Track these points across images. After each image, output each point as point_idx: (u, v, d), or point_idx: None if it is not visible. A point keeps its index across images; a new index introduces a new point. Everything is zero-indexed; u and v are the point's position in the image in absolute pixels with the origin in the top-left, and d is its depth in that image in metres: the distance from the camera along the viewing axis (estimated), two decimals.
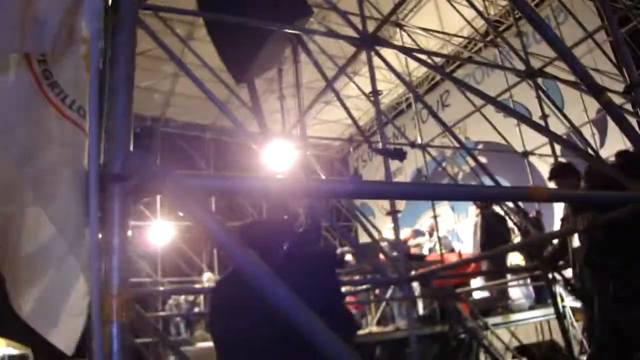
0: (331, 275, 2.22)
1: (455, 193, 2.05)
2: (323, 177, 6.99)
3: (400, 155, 4.36)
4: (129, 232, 1.28)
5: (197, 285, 12.54)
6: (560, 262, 5.55)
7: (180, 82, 12.22)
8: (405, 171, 14.43)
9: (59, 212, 1.48)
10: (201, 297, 12.50)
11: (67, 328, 1.49)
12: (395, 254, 6.26)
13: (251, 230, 2.03)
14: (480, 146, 12.36)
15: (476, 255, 8.22)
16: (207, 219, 1.24)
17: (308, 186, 1.56)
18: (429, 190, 2.05)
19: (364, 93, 7.06)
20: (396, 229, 5.07)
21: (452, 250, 10.23)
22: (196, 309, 12.18)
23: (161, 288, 12.00)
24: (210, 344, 7.77)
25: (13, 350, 24.67)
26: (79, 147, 1.52)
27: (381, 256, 6.93)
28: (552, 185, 4.61)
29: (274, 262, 1.59)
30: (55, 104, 1.55)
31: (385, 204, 15.65)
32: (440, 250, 9.06)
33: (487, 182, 7.09)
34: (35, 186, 1.50)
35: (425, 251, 9.94)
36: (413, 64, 12.12)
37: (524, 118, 5.58)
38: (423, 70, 13.71)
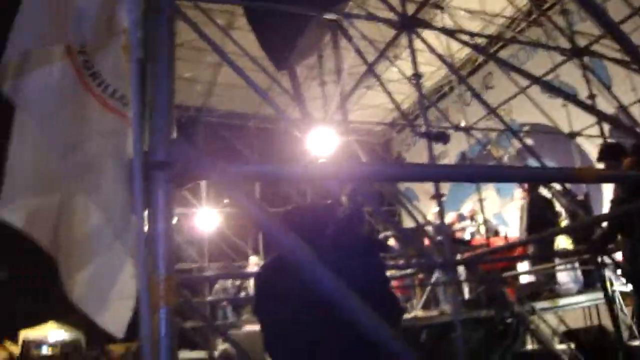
0: (376, 259, 2.21)
1: (501, 174, 2.00)
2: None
3: (444, 138, 4.30)
4: (175, 219, 1.30)
5: (244, 270, 12.75)
6: (611, 246, 5.41)
7: (222, 72, 12.30)
8: (449, 155, 14.23)
9: (104, 201, 1.52)
10: (248, 282, 12.67)
11: (116, 312, 1.54)
12: (439, 238, 6.20)
13: (295, 215, 2.04)
14: (525, 128, 12.07)
15: (522, 239, 8.07)
16: (250, 205, 1.25)
17: (349, 170, 1.56)
18: (474, 171, 2.00)
19: (405, 77, 6.97)
20: (441, 213, 5.01)
21: (497, 234, 10.07)
22: (243, 293, 12.34)
23: (208, 273, 12.23)
24: (257, 327, 7.89)
25: (66, 334, 25.62)
26: (121, 136, 1.54)
27: (426, 241, 6.88)
28: (601, 166, 4.49)
29: (318, 246, 1.59)
30: (96, 94, 1.58)
31: (430, 188, 15.52)
32: (487, 234, 8.94)
33: (534, 164, 6.94)
34: (80, 176, 1.54)
35: (467, 236, 9.80)
36: (455, 46, 11.85)
37: (571, 98, 5.42)
38: (465, 52, 13.40)
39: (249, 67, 5.77)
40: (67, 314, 27.04)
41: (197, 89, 13.09)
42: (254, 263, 12.73)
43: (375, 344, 1.44)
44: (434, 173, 1.98)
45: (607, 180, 3.54)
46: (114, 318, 1.56)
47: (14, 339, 24.88)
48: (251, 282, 12.28)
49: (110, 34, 1.60)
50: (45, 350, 23.40)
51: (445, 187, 11.48)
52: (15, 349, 22.76)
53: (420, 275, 8.36)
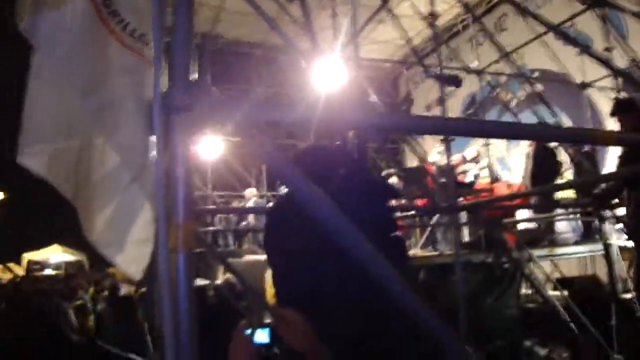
0: (387, 204, 2.21)
1: (516, 131, 1.96)
2: (375, 99, 6.85)
3: (456, 82, 4.23)
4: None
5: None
6: (615, 200, 5.42)
7: None
8: (457, 95, 14.05)
9: (122, 142, 1.50)
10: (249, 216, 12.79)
11: (134, 254, 1.54)
12: (443, 179, 6.21)
13: (308, 156, 2.01)
14: (536, 74, 11.86)
15: (526, 187, 8.09)
16: (268, 148, 1.24)
17: (367, 119, 1.54)
18: (487, 127, 1.97)
19: (419, 14, 6.78)
20: (448, 155, 4.99)
21: (496, 180, 10.08)
22: (244, 223, 12.49)
23: (211, 206, 12.33)
24: (257, 257, 8.04)
25: (69, 256, 26.16)
26: (140, 75, 1.52)
27: (429, 181, 6.89)
28: (613, 121, 4.44)
29: (330, 188, 1.58)
30: (116, 32, 1.53)
31: None
32: (491, 178, 8.96)
33: (542, 111, 6.86)
34: (99, 116, 1.51)
35: (469, 178, 9.82)
36: None
37: (586, 48, 5.28)
38: None
39: None
40: (70, 237, 27.63)
41: (204, 14, 12.79)
42: (252, 194, 12.82)
43: (383, 288, 1.45)
44: (444, 126, 1.93)
45: (626, 143, 3.48)
46: (133, 261, 1.56)
47: (17, 262, 25.46)
48: (250, 216, 12.44)
49: None
50: (49, 271, 23.92)
51: None
52: (20, 271, 23.28)
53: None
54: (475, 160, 10.08)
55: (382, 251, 1.47)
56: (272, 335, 1.43)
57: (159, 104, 1.21)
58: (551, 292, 6.99)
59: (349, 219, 1.38)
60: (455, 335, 1.79)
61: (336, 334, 1.55)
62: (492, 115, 12.67)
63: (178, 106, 1.20)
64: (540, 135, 2.51)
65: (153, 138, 1.43)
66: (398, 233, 2.56)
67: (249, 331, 1.42)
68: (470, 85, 10.71)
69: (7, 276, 21.15)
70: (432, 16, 4.97)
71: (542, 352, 4.10)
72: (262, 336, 1.42)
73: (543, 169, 7.62)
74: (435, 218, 7.79)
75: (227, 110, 1.24)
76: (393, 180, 9.58)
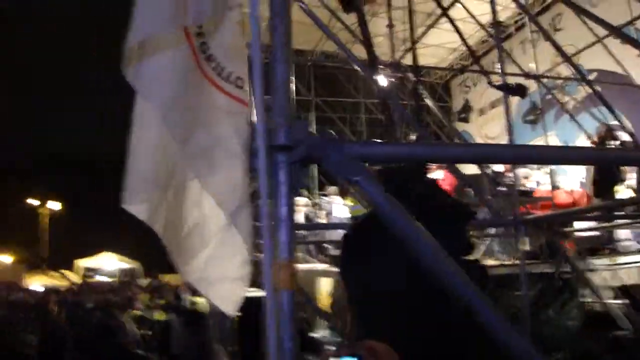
0: (464, 230, 2.17)
1: (569, 156, 1.88)
2: (430, 104, 6.78)
3: (521, 92, 4.14)
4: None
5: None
6: None
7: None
8: (512, 98, 13.77)
9: (219, 185, 1.54)
10: (299, 219, 12.76)
11: (229, 292, 1.58)
12: (503, 189, 6.10)
13: (383, 175, 2.00)
14: (593, 75, 11.52)
15: (588, 194, 7.87)
16: (375, 190, 1.25)
17: (472, 151, 1.53)
18: (543, 153, 1.91)
19: (476, 20, 6.68)
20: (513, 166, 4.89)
21: (557, 187, 9.82)
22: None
23: None
24: (309, 265, 7.99)
25: (125, 264, 26.87)
26: (237, 119, 1.55)
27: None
28: None
29: (409, 210, 1.57)
30: (211, 79, 1.57)
31: (489, 131, 15.25)
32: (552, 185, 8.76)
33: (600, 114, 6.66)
34: (195, 161, 1.55)
35: (533, 184, 9.59)
36: None
37: None
38: None
39: (311, 3, 5.62)
40: (122, 244, 28.45)
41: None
42: (302, 204, 12.77)
43: (466, 309, 1.43)
44: (502, 154, 1.85)
45: None
46: (228, 299, 1.61)
47: (70, 268, 26.28)
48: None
49: (226, 10, 1.58)
50: (103, 278, 24.55)
51: (504, 130, 11.18)
52: (74, 277, 23.92)
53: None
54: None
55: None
56: None
57: (264, 145, 1.23)
58: (612, 301, 6.77)
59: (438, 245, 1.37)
60: None
61: None
62: (549, 118, 12.38)
63: (281, 146, 1.22)
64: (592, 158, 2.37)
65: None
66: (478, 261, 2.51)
67: None
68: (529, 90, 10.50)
69: (64, 282, 21.85)
70: (494, 23, 4.88)
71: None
72: None
73: (605, 175, 7.39)
74: (494, 228, 7.64)
75: (329, 150, 1.26)
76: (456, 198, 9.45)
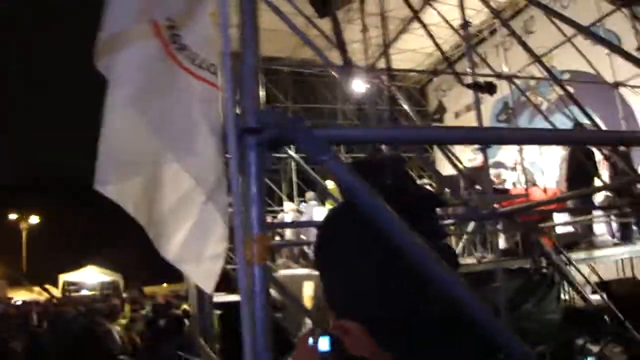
0: (434, 216, 2.25)
1: (554, 138, 2.01)
2: (406, 108, 6.88)
3: (491, 89, 4.26)
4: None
5: (279, 215, 12.98)
6: None
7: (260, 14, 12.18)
8: (486, 101, 14.00)
9: (197, 165, 1.63)
10: (284, 230, 12.88)
11: (208, 269, 1.67)
12: (478, 187, 6.21)
13: (363, 168, 2.08)
14: (566, 76, 11.76)
15: (562, 192, 8.01)
16: (339, 167, 1.32)
17: (398, 133, 1.61)
18: (520, 135, 2.03)
19: (448, 23, 6.81)
20: (485, 162, 5.01)
21: (533, 184, 10.01)
22: (277, 238, 12.58)
23: None
24: (292, 271, 8.09)
25: (106, 277, 26.64)
26: (211, 103, 1.65)
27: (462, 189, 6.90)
28: None
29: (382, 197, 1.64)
30: (185, 67, 1.67)
31: None
32: (526, 183, 8.90)
33: (574, 112, 6.82)
34: (173, 145, 1.65)
35: (509, 185, 9.77)
36: None
37: (616, 48, 5.25)
38: None
39: (287, 10, 5.69)
40: (105, 258, 28.30)
41: (231, 32, 13.01)
42: (291, 209, 12.92)
43: (437, 289, 1.50)
44: (479, 136, 1.99)
45: None
46: (206, 275, 1.69)
47: (54, 283, 26.07)
48: (287, 230, 12.55)
49: (198, 2, 1.68)
50: (85, 292, 24.42)
51: None
52: (56, 292, 23.77)
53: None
54: (514, 167, 10.03)
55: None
56: (333, 343, 1.49)
57: (233, 128, 1.30)
58: (591, 296, 6.89)
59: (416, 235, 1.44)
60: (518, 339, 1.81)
61: (396, 343, 1.61)
62: (523, 119, 12.61)
63: (252, 128, 1.29)
64: (562, 139, 2.51)
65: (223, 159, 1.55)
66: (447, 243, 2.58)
67: (311, 341, 1.48)
68: (501, 91, 10.66)
69: (44, 296, 21.68)
70: (465, 25, 5.01)
71: (595, 349, 4.11)
72: (324, 344, 1.48)
73: (579, 171, 7.54)
74: (471, 226, 7.76)
75: (298, 131, 1.33)
76: (428, 188, 9.60)
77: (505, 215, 4.76)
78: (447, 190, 7.55)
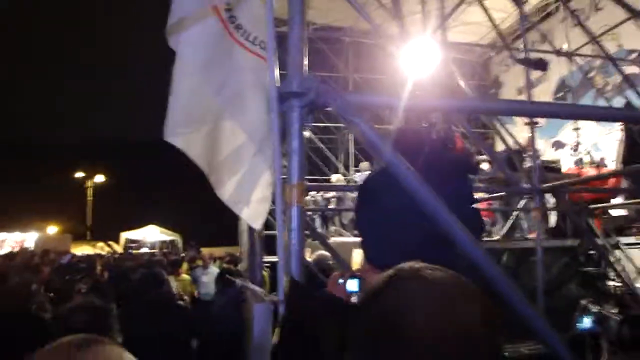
0: (464, 179, 2.41)
1: (591, 113, 2.14)
2: (463, 84, 6.92)
3: (541, 66, 4.31)
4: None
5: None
6: None
7: None
8: (550, 79, 13.71)
9: (248, 123, 1.96)
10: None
11: (256, 210, 2.00)
12: (530, 164, 6.24)
13: (398, 137, 2.27)
14: (634, 55, 11.37)
15: (618, 178, 7.88)
16: (367, 128, 1.53)
17: (452, 103, 1.78)
18: (556, 109, 2.15)
19: None
20: (532, 139, 5.07)
21: (597, 165, 9.82)
22: (331, 206, 12.83)
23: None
24: (344, 239, 8.34)
25: (165, 236, 27.59)
26: (261, 72, 1.96)
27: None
28: None
29: (416, 165, 1.83)
30: (241, 43, 2.02)
31: None
32: (580, 163, 8.77)
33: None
34: (229, 105, 1.99)
35: (568, 165, 9.61)
36: None
37: None
38: None
39: None
40: (166, 218, 29.41)
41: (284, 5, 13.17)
42: (336, 180, 13.16)
43: (461, 250, 1.69)
44: (523, 109, 2.14)
45: None
46: (255, 215, 2.01)
47: (116, 240, 27.34)
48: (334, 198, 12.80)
49: None
50: (145, 249, 25.42)
51: None
52: (118, 248, 24.88)
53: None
54: (576, 148, 9.84)
55: (462, 220, 1.72)
56: (361, 284, 1.72)
57: (275, 92, 1.57)
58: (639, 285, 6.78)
59: (433, 192, 1.64)
60: (535, 309, 1.95)
61: None
62: (586, 99, 12.30)
63: (294, 92, 1.53)
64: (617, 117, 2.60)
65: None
66: (475, 207, 2.74)
67: (341, 280, 1.72)
68: (562, 68, 10.48)
69: (107, 249, 22.84)
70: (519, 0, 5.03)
71: (594, 308, 4.18)
72: (352, 285, 1.72)
73: (634, 152, 7.40)
74: (522, 203, 7.76)
75: (333, 96, 1.56)
76: (484, 166, 9.60)
77: (550, 191, 4.81)
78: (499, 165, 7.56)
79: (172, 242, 28.93)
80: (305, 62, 1.76)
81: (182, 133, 1.93)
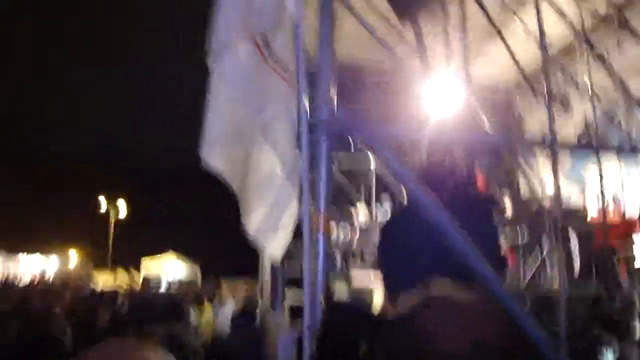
0: (489, 218, 2.41)
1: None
2: (485, 122, 6.91)
3: (564, 104, 4.29)
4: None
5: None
6: None
7: (345, 20, 12.44)
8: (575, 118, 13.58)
9: (281, 150, 2.00)
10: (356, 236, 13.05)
11: (280, 241, 2.03)
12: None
13: (421, 171, 2.29)
14: None
15: None
16: (393, 160, 1.56)
17: (477, 139, 1.80)
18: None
19: (530, 34, 6.74)
20: (556, 181, 5.01)
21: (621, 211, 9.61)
22: (353, 246, 12.78)
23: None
24: (363, 271, 8.22)
25: (184, 269, 27.42)
26: (291, 102, 2.02)
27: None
28: None
29: (440, 199, 1.83)
30: (275, 69, 2.09)
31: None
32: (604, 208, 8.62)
33: None
34: (264, 131, 2.04)
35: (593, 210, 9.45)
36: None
37: None
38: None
39: (372, 18, 5.88)
40: (184, 244, 29.39)
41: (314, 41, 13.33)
42: (362, 213, 13.12)
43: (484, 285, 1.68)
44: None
45: None
46: (278, 247, 2.06)
47: (137, 266, 27.32)
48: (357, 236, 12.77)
49: (282, 22, 2.09)
50: (164, 286, 25.32)
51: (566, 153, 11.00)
52: (138, 278, 24.76)
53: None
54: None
55: (485, 258, 1.72)
56: None
57: (306, 121, 1.62)
58: None
59: (457, 226, 1.64)
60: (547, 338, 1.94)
61: None
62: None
63: (324, 121, 1.57)
64: None
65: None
66: (499, 246, 2.71)
67: None
68: (585, 110, 10.39)
69: (125, 279, 22.70)
70: (541, 36, 5.04)
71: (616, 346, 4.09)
72: None
73: None
74: (545, 250, 7.60)
75: (360, 127, 1.59)
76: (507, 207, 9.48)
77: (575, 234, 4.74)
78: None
79: (190, 281, 28.76)
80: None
81: (216, 153, 1.98)
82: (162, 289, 24.67)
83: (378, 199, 14.02)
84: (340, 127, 1.61)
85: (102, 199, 35.46)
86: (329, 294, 1.62)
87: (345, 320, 1.46)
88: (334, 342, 1.37)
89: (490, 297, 1.71)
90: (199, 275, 27.94)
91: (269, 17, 2.07)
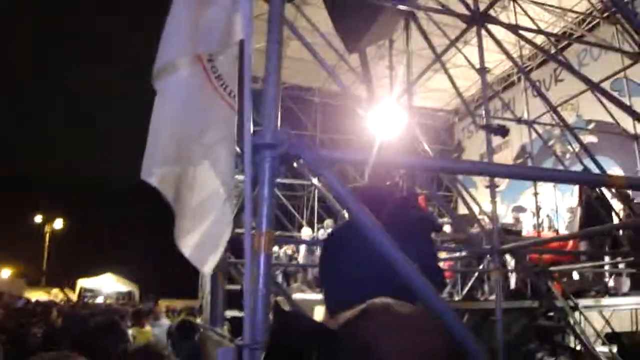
0: (428, 237, 2.48)
1: (535, 174, 2.27)
2: (426, 147, 7.14)
3: (503, 132, 4.51)
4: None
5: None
6: None
7: (292, 46, 12.65)
8: (512, 145, 14.22)
9: (222, 171, 2.05)
10: (299, 253, 13.13)
11: (213, 259, 2.08)
12: (490, 226, 6.38)
13: (362, 193, 2.35)
14: (591, 125, 11.91)
15: (575, 242, 8.09)
16: (336, 182, 1.61)
17: (417, 162, 1.88)
18: (514, 171, 2.29)
19: (472, 65, 7.09)
20: (493, 203, 5.23)
21: (554, 230, 10.08)
22: (294, 262, 12.80)
23: None
24: (305, 295, 8.30)
25: (122, 286, 26.84)
26: (233, 124, 2.09)
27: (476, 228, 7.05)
28: None
29: (379, 220, 1.89)
30: (220, 92, 2.12)
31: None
32: (539, 227, 9.00)
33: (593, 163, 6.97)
34: (206, 152, 2.08)
35: (528, 229, 9.86)
36: (527, 36, 11.73)
37: (620, 103, 5.37)
38: (539, 40, 13.24)
39: (319, 43, 6.04)
40: (123, 267, 28.70)
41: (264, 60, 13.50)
42: (306, 235, 13.21)
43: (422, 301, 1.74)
44: (486, 170, 2.26)
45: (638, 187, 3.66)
46: (211, 263, 2.07)
47: (72, 287, 26.49)
48: (302, 253, 12.82)
49: (229, 44, 2.12)
50: (100, 299, 24.69)
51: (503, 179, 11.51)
52: (73, 296, 24.11)
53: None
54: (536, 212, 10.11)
55: (425, 276, 1.78)
56: None
57: (249, 143, 1.65)
58: (599, 348, 6.83)
59: (397, 246, 1.70)
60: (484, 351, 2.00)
61: None
62: (545, 166, 12.71)
63: (267, 144, 1.61)
64: (556, 178, 2.74)
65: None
66: (438, 264, 2.80)
67: None
68: (523, 136, 10.87)
69: (61, 296, 22.06)
70: (482, 70, 5.29)
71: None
72: None
73: (593, 220, 7.61)
74: (483, 265, 7.89)
75: (304, 150, 1.63)
76: (446, 228, 9.76)
77: (509, 252, 4.93)
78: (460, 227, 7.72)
79: (129, 293, 28.18)
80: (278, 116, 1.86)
81: (157, 172, 1.99)
82: (99, 300, 24.21)
83: (321, 222, 14.20)
84: (284, 149, 1.64)
85: (38, 217, 34.28)
86: (271, 312, 1.63)
87: (294, 330, 1.47)
88: (282, 353, 1.38)
89: (430, 311, 1.78)
90: (137, 295, 27.37)
91: (215, 38, 2.08)
